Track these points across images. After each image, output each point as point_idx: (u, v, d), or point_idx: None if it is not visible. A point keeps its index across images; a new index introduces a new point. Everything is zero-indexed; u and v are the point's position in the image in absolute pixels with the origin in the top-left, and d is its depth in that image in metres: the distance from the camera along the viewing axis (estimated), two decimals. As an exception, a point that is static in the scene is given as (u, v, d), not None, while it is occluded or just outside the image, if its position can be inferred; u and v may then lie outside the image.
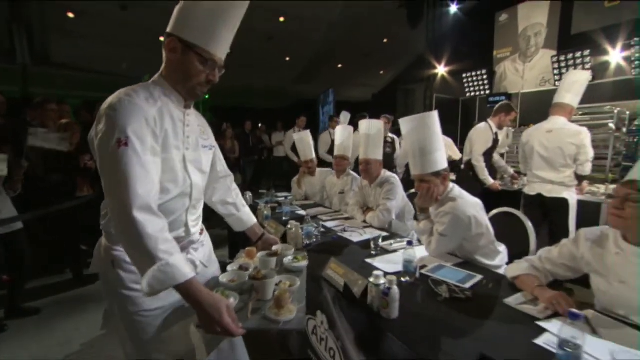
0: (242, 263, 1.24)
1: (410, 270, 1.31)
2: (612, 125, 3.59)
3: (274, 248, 1.37)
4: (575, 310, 0.81)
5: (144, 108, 0.91)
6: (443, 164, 1.67)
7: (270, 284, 1.05)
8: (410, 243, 1.35)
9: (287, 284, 1.12)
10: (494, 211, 2.01)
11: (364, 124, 2.33)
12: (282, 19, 8.50)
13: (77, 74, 9.16)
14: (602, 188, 3.09)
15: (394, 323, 1.02)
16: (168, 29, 0.98)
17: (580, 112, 4.26)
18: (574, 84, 2.71)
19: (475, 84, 6.96)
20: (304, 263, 1.28)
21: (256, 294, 1.04)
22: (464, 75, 7.10)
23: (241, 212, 1.39)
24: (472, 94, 7.06)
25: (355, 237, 1.87)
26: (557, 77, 5.47)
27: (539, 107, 5.25)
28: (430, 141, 1.64)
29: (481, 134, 3.16)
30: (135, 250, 0.83)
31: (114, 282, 0.99)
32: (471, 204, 1.59)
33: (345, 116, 5.19)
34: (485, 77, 6.79)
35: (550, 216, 2.70)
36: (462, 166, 3.32)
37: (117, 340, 1.06)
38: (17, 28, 7.56)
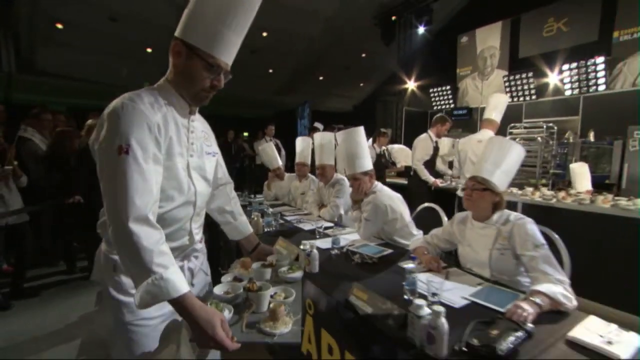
0: (236, 274, 1.22)
1: (337, 245, 1.78)
2: (539, 139, 4.22)
3: (269, 259, 1.37)
4: (414, 255, 1.29)
5: (148, 114, 0.88)
6: (369, 166, 2.15)
7: (265, 296, 1.04)
8: (339, 226, 1.82)
9: (282, 295, 1.10)
10: (421, 206, 2.52)
11: (318, 136, 2.83)
12: (264, 34, 8.99)
13: (61, 82, 9.32)
14: (528, 191, 3.63)
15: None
16: (175, 33, 0.95)
17: (523, 127, 4.93)
18: (498, 104, 3.29)
19: (441, 98, 7.66)
20: (299, 274, 1.28)
21: (251, 306, 1.02)
22: (431, 90, 7.79)
23: (238, 220, 1.37)
24: (439, 107, 7.74)
25: (307, 226, 2.33)
26: (508, 95, 6.17)
27: None
28: (357, 149, 2.13)
29: (421, 142, 3.71)
30: (129, 262, 0.81)
31: (114, 288, 0.96)
32: (388, 196, 2.08)
33: (318, 126, 5.67)
34: (449, 92, 7.50)
35: None
36: (412, 172, 3.85)
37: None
38: (4, 37, 7.76)
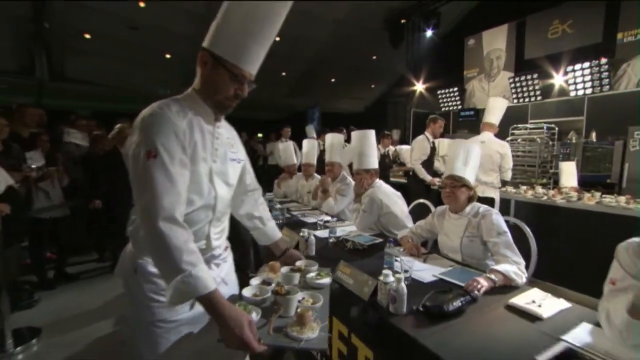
0: (264, 277, 1.23)
1: (333, 234, 2.06)
2: (538, 140, 4.36)
3: (298, 264, 1.37)
4: (394, 239, 1.55)
5: (175, 121, 0.93)
6: (374, 165, 2.42)
7: (293, 300, 1.05)
8: (340, 220, 2.09)
9: (309, 300, 1.10)
10: (414, 203, 2.77)
11: (329, 137, 3.12)
12: (277, 39, 9.31)
13: (86, 88, 9.88)
14: (522, 190, 3.80)
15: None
16: (203, 44, 0.99)
17: (525, 128, 5.06)
18: (496, 108, 3.45)
19: (449, 99, 7.81)
20: (327, 280, 1.27)
21: (278, 310, 1.02)
22: (439, 92, 7.95)
23: (267, 226, 1.38)
24: (446, 108, 7.89)
25: (310, 219, 2.61)
26: (514, 96, 6.30)
27: (501, 120, 6.07)
28: (367, 149, 2.40)
29: (418, 143, 3.93)
30: (160, 260, 0.85)
31: (134, 289, 1.00)
32: (385, 192, 2.33)
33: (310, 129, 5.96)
34: (457, 93, 7.64)
35: None
36: (411, 172, 4.08)
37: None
38: (37, 47, 8.37)
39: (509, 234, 1.61)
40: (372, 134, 2.39)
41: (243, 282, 1.24)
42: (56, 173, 2.89)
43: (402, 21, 8.39)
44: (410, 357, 1.08)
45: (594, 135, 4.79)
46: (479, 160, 1.80)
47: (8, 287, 2.07)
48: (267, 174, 8.46)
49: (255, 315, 0.97)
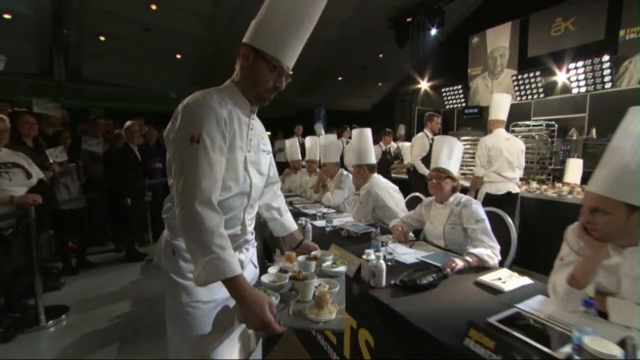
0: (282, 266, 1.27)
1: (330, 224, 2.24)
2: (536, 137, 4.45)
3: (313, 253, 1.39)
4: (381, 226, 1.72)
5: (217, 110, 0.96)
6: (371, 160, 2.59)
7: (311, 285, 1.08)
8: (339, 212, 2.27)
9: (326, 286, 1.13)
10: (409, 196, 2.93)
11: (322, 138, 3.30)
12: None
13: (101, 88, 10.24)
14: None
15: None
16: (244, 40, 1.04)
17: (525, 125, 5.15)
18: (503, 104, 3.48)
19: (453, 97, 7.89)
20: (342, 268, 1.30)
21: (296, 294, 1.06)
22: (443, 90, 8.03)
23: (284, 217, 1.42)
24: (451, 106, 7.96)
25: (310, 211, 2.81)
26: (517, 93, 6.35)
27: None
28: (365, 145, 2.58)
29: (417, 140, 4.07)
30: (192, 240, 0.88)
31: (172, 271, 1.03)
32: (380, 186, 2.50)
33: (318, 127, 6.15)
34: (461, 91, 7.71)
35: (504, 207, 3.27)
36: (411, 168, 4.22)
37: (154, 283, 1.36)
38: (56, 50, 8.74)
39: (486, 221, 1.76)
40: (368, 131, 2.56)
41: (262, 273, 1.29)
42: (75, 169, 3.14)
43: (408, 20, 8.48)
44: (386, 322, 1.26)
45: (594, 132, 4.84)
46: (461, 154, 1.97)
47: (40, 271, 2.32)
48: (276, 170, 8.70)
49: (274, 299, 0.98)
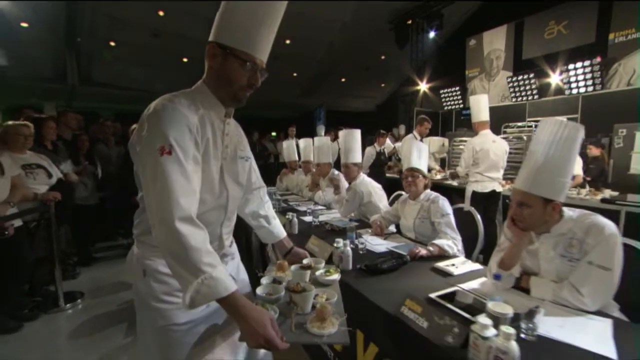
0: (274, 276, 1.23)
1: (316, 218, 2.48)
2: (524, 138, 4.62)
3: (305, 261, 1.35)
4: (357, 220, 1.96)
5: (187, 115, 0.89)
6: (359, 159, 2.81)
7: (310, 296, 1.05)
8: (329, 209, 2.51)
9: (323, 297, 1.10)
10: (395, 194, 3.15)
11: (316, 140, 3.53)
12: (287, 42, 9.76)
13: (111, 91, 10.63)
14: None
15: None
16: (210, 38, 0.96)
17: (516, 126, 5.30)
18: (482, 105, 3.66)
19: (451, 98, 8.04)
20: (336, 276, 1.28)
21: (295, 307, 1.02)
22: (441, 91, 8.19)
23: (272, 224, 1.36)
24: (449, 107, 8.12)
25: (302, 207, 3.05)
26: (512, 95, 6.51)
27: (500, 118, 6.31)
28: (353, 145, 2.80)
29: (406, 142, 4.27)
30: (177, 262, 0.80)
31: (144, 293, 0.96)
32: (366, 185, 2.72)
33: (320, 129, 6.38)
34: (459, 92, 7.87)
35: (488, 204, 3.44)
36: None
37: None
38: (70, 56, 9.14)
39: (451, 216, 1.98)
40: (357, 132, 2.79)
41: (252, 282, 1.27)
42: (92, 168, 3.44)
43: (409, 22, 8.65)
44: (349, 299, 1.49)
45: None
46: (427, 155, 2.19)
47: (59, 261, 2.61)
48: (278, 171, 8.98)
49: (273, 314, 0.94)
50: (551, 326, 1.08)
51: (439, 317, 1.05)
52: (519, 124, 5.51)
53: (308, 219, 2.62)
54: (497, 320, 0.96)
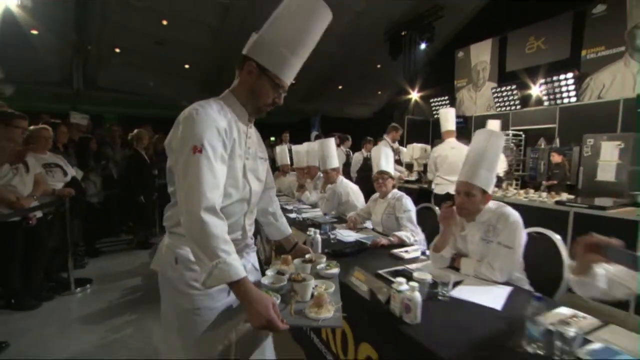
0: (279, 269, 1.32)
1: (298, 214, 2.81)
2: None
3: (307, 256, 1.46)
4: (331, 215, 2.29)
5: (217, 119, 0.99)
6: (336, 164, 3.14)
7: (309, 286, 1.14)
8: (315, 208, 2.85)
9: (322, 287, 1.19)
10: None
11: (304, 146, 3.88)
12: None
13: (115, 95, 10.97)
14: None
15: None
16: (247, 53, 1.07)
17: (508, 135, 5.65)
18: (449, 117, 4.06)
19: (441, 107, 8.39)
20: (335, 270, 1.40)
21: (296, 294, 1.12)
22: (432, 100, 8.56)
23: (279, 221, 1.47)
24: (438, 115, 8.47)
25: (289, 206, 3.38)
26: (497, 105, 6.87)
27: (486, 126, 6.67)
28: (328, 152, 3.13)
29: (374, 149, 4.62)
30: (198, 247, 0.90)
31: (175, 279, 1.05)
32: (344, 187, 3.05)
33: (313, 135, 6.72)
34: (447, 102, 8.23)
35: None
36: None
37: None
38: (76, 61, 9.51)
39: (412, 211, 2.31)
40: (331, 140, 3.13)
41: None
42: (101, 168, 3.79)
43: (403, 33, 9.06)
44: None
45: (557, 141, 5.34)
46: (392, 158, 2.53)
47: (72, 250, 2.94)
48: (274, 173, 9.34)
49: (276, 300, 1.04)
50: (466, 292, 1.40)
51: (375, 282, 1.38)
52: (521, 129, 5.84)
53: (292, 215, 2.95)
54: (420, 285, 1.29)
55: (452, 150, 3.86)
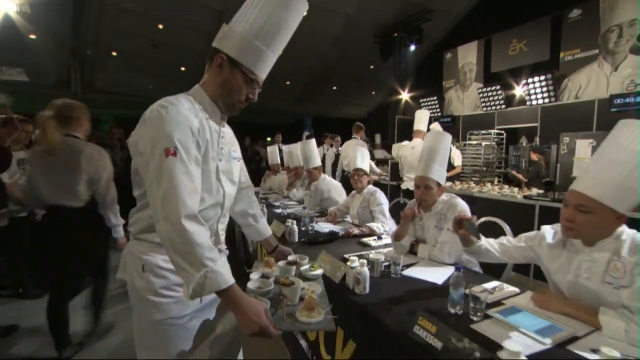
0: (263, 272, 1.31)
1: (284, 209, 3.04)
2: (483, 144, 5.21)
3: (290, 258, 1.44)
4: (314, 210, 2.52)
5: (189, 118, 0.92)
6: (317, 163, 3.37)
7: (298, 289, 1.14)
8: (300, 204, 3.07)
9: (309, 289, 1.17)
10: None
11: (287, 147, 4.11)
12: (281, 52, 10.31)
13: (112, 97, 11.15)
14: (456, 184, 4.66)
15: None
16: (217, 45, 1.00)
17: (480, 134, 5.90)
18: (423, 118, 4.32)
19: (430, 107, 8.65)
20: (319, 271, 1.39)
21: (285, 298, 1.10)
22: (421, 100, 8.80)
23: (259, 223, 1.44)
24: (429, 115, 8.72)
25: (277, 203, 3.60)
26: (483, 104, 7.11)
27: (473, 125, 6.92)
28: (310, 153, 3.36)
29: (350, 147, 4.79)
30: (182, 258, 0.84)
31: (142, 288, 0.98)
32: (326, 184, 3.27)
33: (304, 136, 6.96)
34: (436, 102, 8.47)
35: (409, 198, 4.21)
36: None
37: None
38: (74, 65, 9.69)
39: (384, 205, 2.53)
40: (312, 142, 3.36)
41: (236, 277, 1.28)
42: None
43: (394, 35, 9.29)
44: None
45: (537, 140, 5.58)
46: (368, 156, 2.76)
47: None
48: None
49: (266, 305, 1.02)
50: (417, 272, 1.62)
51: (336, 263, 1.60)
52: (484, 131, 6.11)
53: (279, 210, 3.17)
54: (374, 264, 1.52)
55: (412, 150, 4.17)
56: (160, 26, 8.76)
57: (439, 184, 1.84)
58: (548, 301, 1.22)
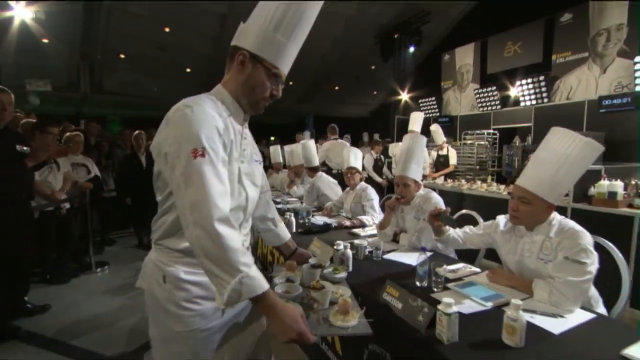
0: (286, 276, 1.29)
1: (284, 205, 3.31)
2: (477, 144, 5.44)
3: (311, 261, 1.42)
4: (301, 205, 2.79)
5: (215, 117, 0.90)
6: (315, 163, 3.63)
7: (329, 293, 1.13)
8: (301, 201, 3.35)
9: (338, 292, 1.16)
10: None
11: (289, 147, 4.38)
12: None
13: (119, 98, 11.47)
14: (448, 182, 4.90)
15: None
16: (237, 42, 0.98)
17: (475, 133, 6.11)
18: (418, 120, 4.57)
19: (428, 107, 8.86)
20: (343, 274, 1.39)
21: (316, 302, 1.08)
22: (420, 101, 9.02)
23: (278, 227, 1.40)
24: (427, 115, 8.93)
25: (278, 199, 3.87)
26: (479, 105, 7.32)
27: (470, 125, 7.14)
28: (310, 152, 3.62)
29: (337, 146, 5.06)
30: (215, 264, 0.80)
31: (163, 299, 0.94)
32: (322, 181, 3.53)
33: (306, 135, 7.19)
34: (434, 102, 8.69)
35: None
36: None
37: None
38: (83, 67, 10.03)
39: (374, 200, 2.79)
40: (312, 142, 3.63)
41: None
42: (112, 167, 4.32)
43: (395, 36, 9.50)
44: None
45: (529, 139, 5.79)
46: (361, 155, 3.02)
47: (92, 238, 3.47)
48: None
49: (301, 310, 0.98)
50: (396, 256, 1.88)
51: (328, 249, 1.87)
52: (479, 131, 6.34)
53: (280, 206, 3.45)
54: (357, 249, 1.78)
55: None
56: (167, 29, 9.05)
57: (415, 181, 2.08)
58: (498, 277, 1.49)
